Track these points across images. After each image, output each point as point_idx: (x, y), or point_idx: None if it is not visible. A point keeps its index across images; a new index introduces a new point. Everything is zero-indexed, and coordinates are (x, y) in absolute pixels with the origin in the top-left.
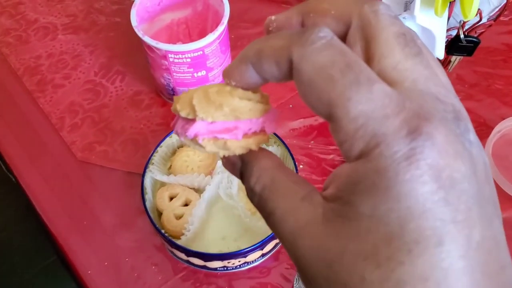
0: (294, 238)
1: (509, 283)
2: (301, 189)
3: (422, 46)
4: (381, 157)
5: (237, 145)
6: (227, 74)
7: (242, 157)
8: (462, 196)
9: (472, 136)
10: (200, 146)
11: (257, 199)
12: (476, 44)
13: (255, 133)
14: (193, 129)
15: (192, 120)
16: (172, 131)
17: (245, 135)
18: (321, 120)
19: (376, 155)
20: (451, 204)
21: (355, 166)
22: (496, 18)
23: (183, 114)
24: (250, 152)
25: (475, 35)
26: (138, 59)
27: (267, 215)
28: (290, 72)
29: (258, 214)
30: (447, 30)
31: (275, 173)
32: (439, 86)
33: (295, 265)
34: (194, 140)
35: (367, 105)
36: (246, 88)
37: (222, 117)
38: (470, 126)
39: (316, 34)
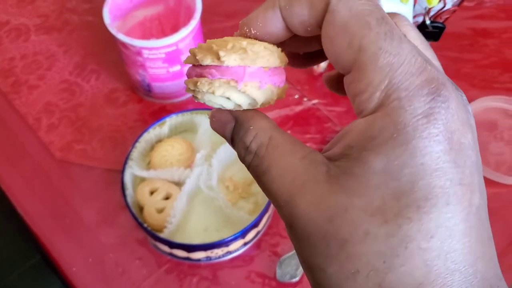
0: (291, 195)
1: (494, 255)
2: (300, 149)
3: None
4: (402, 111)
5: (276, 91)
6: (247, 23)
7: (237, 117)
8: (467, 161)
9: (470, 108)
10: (226, 97)
11: (251, 157)
12: (441, 29)
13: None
14: (231, 73)
15: (212, 67)
16: (150, 126)
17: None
18: (296, 110)
19: (396, 108)
20: (459, 167)
21: (372, 119)
22: (459, 4)
23: (206, 61)
24: (246, 111)
25: (441, 21)
26: (112, 57)
27: (262, 174)
28: (321, 16)
29: (239, 204)
30: (414, 17)
31: (273, 132)
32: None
33: (287, 225)
34: (227, 85)
35: (396, 58)
36: (265, 40)
37: (255, 63)
38: (466, 98)
39: None
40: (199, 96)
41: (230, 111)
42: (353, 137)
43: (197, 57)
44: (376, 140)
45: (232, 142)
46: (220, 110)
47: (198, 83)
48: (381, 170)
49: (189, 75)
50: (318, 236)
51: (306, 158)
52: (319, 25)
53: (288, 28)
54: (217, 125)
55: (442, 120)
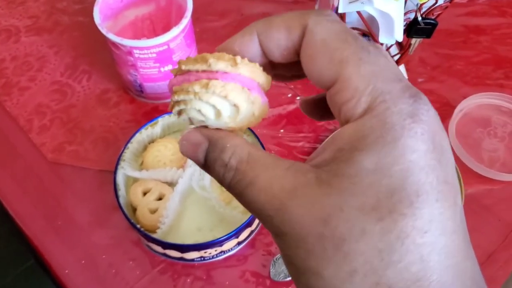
0: (281, 201)
1: (475, 257)
2: (282, 162)
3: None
4: (389, 112)
5: (260, 103)
6: (225, 48)
7: (210, 137)
8: (448, 163)
9: None
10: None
11: (232, 173)
12: (434, 25)
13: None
14: (243, 82)
15: (224, 73)
16: (142, 126)
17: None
18: (289, 108)
19: (383, 110)
20: (443, 166)
21: (361, 122)
22: (451, 0)
23: (220, 66)
24: (219, 131)
25: (433, 17)
26: (104, 57)
27: (245, 187)
28: (298, 39)
29: (233, 204)
30: (405, 13)
31: (250, 149)
32: None
33: (277, 234)
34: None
35: (376, 67)
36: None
37: (246, 72)
38: None
39: (328, 12)
40: (204, 97)
41: (201, 132)
42: (343, 140)
43: (209, 60)
44: (366, 140)
45: (206, 163)
46: (192, 132)
47: (210, 83)
48: (373, 168)
49: (183, 80)
50: (313, 238)
51: (291, 168)
52: (296, 48)
53: (263, 54)
54: (188, 148)
55: (426, 121)
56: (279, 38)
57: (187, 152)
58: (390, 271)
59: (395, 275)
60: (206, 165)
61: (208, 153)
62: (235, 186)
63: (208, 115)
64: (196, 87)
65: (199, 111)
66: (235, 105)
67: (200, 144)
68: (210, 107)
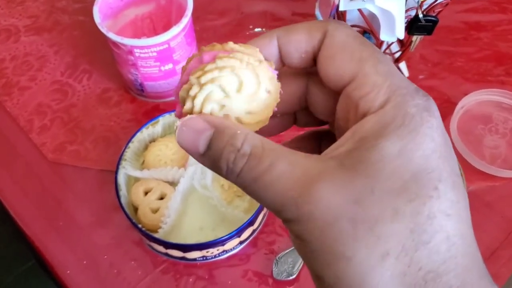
0: (305, 185)
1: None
2: (298, 152)
3: None
4: (408, 104)
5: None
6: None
7: (216, 124)
8: (455, 159)
9: None
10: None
11: (245, 160)
12: (435, 23)
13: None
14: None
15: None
16: (143, 125)
17: None
18: None
19: (402, 102)
20: (453, 160)
21: (382, 112)
22: None
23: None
24: (225, 120)
25: (434, 14)
26: (104, 57)
27: (261, 174)
28: (318, 42)
29: (234, 203)
30: (406, 11)
31: (262, 137)
32: None
33: (298, 221)
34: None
35: (391, 67)
36: None
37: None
38: None
39: (344, 22)
40: (238, 63)
41: (205, 118)
42: (364, 130)
43: (240, 46)
44: (389, 127)
45: (209, 151)
46: (194, 118)
47: (242, 54)
48: (397, 153)
49: (210, 57)
50: (343, 221)
51: (310, 157)
52: (314, 51)
53: (280, 59)
54: (188, 135)
55: (437, 117)
56: (300, 41)
57: (187, 139)
58: (420, 252)
59: (424, 255)
60: (208, 154)
61: (214, 140)
62: (248, 173)
63: (230, 89)
64: (232, 59)
65: (223, 86)
66: (266, 89)
67: (203, 131)
68: (236, 79)
